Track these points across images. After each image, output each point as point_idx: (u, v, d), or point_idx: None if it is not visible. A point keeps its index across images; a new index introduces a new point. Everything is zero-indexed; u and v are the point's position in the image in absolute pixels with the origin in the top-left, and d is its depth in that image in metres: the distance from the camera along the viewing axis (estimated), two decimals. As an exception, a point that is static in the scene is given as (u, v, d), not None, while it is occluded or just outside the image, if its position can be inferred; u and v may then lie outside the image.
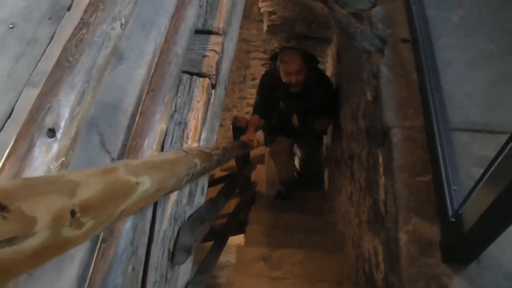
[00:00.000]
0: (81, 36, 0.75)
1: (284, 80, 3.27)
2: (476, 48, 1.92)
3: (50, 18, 1.80)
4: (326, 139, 4.45)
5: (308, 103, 3.46)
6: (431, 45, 1.92)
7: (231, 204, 3.51)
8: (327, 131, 4.10)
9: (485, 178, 1.21)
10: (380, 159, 1.86)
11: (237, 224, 3.73)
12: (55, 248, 0.43)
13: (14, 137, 0.64)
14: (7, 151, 0.62)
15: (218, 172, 4.64)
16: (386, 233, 1.68)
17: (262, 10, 3.84)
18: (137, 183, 0.65)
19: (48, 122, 0.66)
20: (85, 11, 0.80)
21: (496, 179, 1.15)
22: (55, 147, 0.66)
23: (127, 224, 0.93)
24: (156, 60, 1.20)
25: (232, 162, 4.75)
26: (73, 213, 0.46)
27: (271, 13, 3.76)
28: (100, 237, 0.90)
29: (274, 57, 3.51)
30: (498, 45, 1.94)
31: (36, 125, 0.64)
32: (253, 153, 5.10)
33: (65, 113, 0.68)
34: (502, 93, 1.79)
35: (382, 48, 2.07)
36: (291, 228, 3.55)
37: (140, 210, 0.72)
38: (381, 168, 1.85)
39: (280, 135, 3.89)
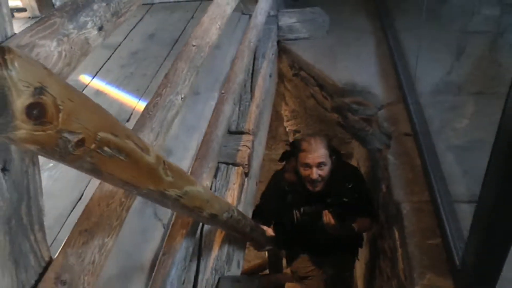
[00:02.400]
0: (156, 101, 1.13)
1: (302, 174, 2.47)
2: (468, 136, 2.23)
3: (114, 128, 2.26)
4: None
5: (335, 205, 2.52)
6: (430, 136, 2.25)
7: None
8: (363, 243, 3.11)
9: (474, 229, 1.45)
10: (396, 234, 2.07)
11: None
12: (156, 176, 0.73)
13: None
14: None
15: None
16: (407, 296, 1.83)
17: (287, 129, 4.31)
18: (195, 183, 0.96)
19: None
20: (159, 87, 1.19)
21: (480, 227, 1.40)
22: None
23: (182, 246, 1.20)
24: (202, 139, 1.56)
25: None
26: (164, 163, 0.77)
27: (295, 131, 4.22)
28: (161, 252, 1.17)
29: (286, 155, 2.72)
30: (489, 133, 2.25)
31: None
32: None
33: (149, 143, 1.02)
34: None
35: (389, 143, 2.41)
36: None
37: (192, 211, 1.00)
38: (398, 242, 2.05)
39: (303, 253, 2.91)
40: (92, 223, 0.79)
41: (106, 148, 0.56)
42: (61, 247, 0.75)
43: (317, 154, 2.39)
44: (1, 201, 0.62)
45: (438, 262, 1.73)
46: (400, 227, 1.96)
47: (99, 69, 2.75)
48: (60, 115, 0.46)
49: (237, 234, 1.65)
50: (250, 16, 2.76)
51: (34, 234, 0.69)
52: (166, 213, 1.64)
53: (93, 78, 2.66)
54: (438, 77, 2.67)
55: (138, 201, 1.66)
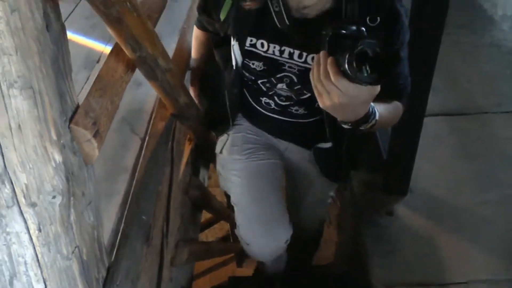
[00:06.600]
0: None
1: None
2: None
3: (85, 68, 2.47)
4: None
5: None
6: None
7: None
8: None
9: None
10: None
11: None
12: (153, 40, 1.02)
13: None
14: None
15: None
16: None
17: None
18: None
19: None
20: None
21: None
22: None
23: (164, 131, 1.49)
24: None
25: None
26: (156, 36, 1.05)
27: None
28: (147, 136, 1.47)
29: None
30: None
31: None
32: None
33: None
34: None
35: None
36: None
37: (173, 90, 1.29)
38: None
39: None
40: (103, 85, 1.07)
41: (127, 3, 0.84)
42: (85, 96, 1.02)
43: None
44: (49, 46, 0.89)
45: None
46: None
47: (64, 20, 2.92)
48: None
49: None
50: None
51: (68, 81, 0.96)
52: (142, 128, 1.91)
53: (58, 29, 2.82)
54: None
55: (115, 121, 1.93)
